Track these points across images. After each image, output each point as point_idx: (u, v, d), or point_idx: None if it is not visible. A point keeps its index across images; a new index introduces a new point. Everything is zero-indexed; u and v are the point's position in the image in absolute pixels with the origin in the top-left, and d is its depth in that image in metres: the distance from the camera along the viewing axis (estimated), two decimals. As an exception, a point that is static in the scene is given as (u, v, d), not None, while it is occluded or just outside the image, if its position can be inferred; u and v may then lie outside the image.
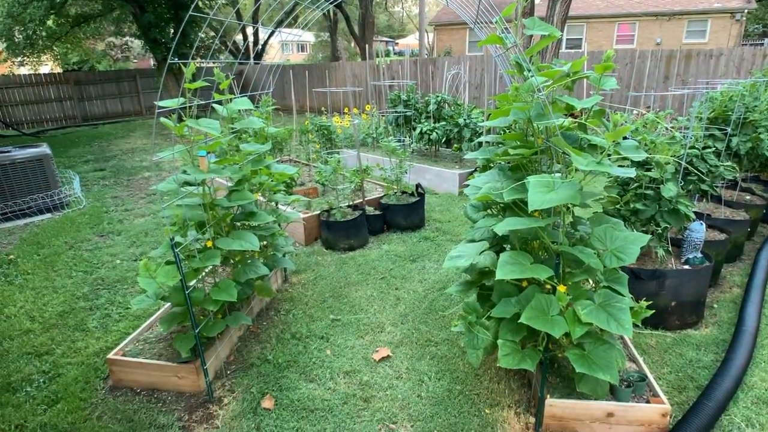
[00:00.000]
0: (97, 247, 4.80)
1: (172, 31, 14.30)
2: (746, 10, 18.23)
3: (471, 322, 2.27)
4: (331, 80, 15.24)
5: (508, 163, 2.42)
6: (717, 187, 3.91)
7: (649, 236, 2.01)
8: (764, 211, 4.72)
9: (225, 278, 2.76)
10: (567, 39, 19.74)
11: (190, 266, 2.53)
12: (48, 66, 22.17)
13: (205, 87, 2.71)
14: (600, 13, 19.60)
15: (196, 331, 2.47)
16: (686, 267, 3.31)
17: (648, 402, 2.35)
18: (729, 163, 3.63)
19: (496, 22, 2.18)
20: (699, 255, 3.38)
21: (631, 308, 2.00)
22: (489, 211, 2.71)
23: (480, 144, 2.93)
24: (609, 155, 1.68)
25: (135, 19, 13.85)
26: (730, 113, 3.95)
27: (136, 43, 21.95)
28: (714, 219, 4.06)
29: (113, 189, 7.16)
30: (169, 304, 3.15)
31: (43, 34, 14.27)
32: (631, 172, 1.89)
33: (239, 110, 2.98)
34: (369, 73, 13.73)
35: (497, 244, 2.52)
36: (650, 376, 2.46)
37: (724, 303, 3.55)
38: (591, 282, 2.36)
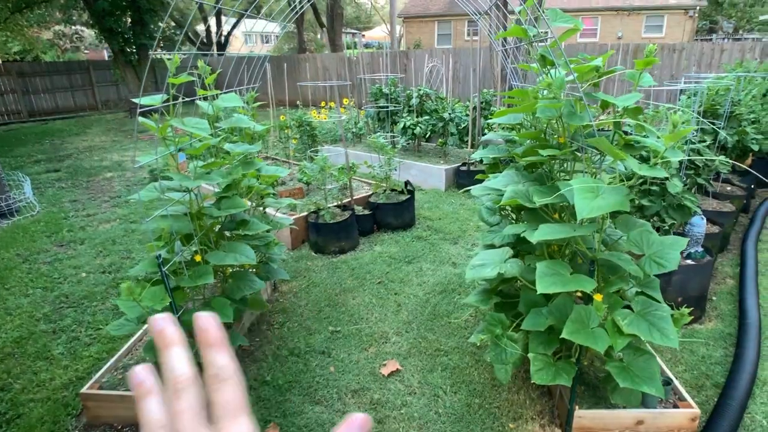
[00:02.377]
0: (57, 259, 4.36)
1: (129, 20, 13.49)
2: (698, 7, 18.90)
3: (498, 336, 2.11)
4: (301, 72, 14.80)
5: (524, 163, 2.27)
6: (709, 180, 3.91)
7: (687, 239, 1.90)
8: (744, 201, 4.80)
9: (217, 296, 2.49)
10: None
11: (178, 285, 2.26)
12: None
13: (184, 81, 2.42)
14: (565, 7, 19.86)
15: (191, 356, 2.21)
16: (689, 261, 3.28)
17: (676, 406, 2.27)
18: (722, 157, 3.61)
19: (519, 12, 2.01)
20: (700, 249, 3.35)
21: (672, 316, 1.89)
22: (503, 212, 2.56)
23: (486, 143, 2.77)
24: (663, 159, 1.54)
25: (87, 6, 12.97)
26: (718, 107, 3.94)
27: (88, 32, 20.73)
28: (705, 212, 4.07)
29: (71, 192, 6.63)
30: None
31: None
32: (662, 173, 1.77)
33: (225, 107, 2.70)
34: (339, 64, 13.39)
35: (515, 247, 2.37)
36: (675, 381, 2.38)
37: (722, 295, 3.55)
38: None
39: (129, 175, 7.55)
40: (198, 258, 2.35)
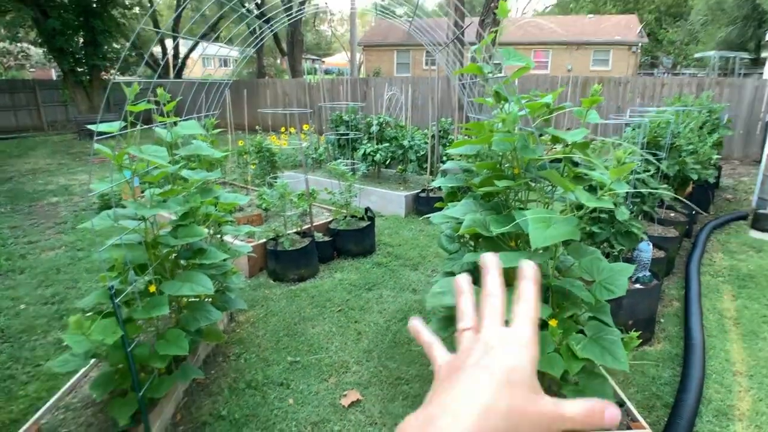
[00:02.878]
0: (-5, 290, 4.09)
1: (81, 40, 13.11)
2: (640, 44, 20.35)
3: (457, 363, 2.13)
4: (261, 97, 14.76)
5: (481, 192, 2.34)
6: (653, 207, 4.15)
7: (634, 265, 2.00)
8: (687, 226, 5.10)
9: (171, 327, 2.40)
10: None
11: (131, 316, 2.17)
12: None
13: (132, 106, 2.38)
14: (518, 40, 20.91)
15: (140, 393, 2.11)
16: (638, 285, 3.44)
17: (629, 428, 2.34)
18: (665, 186, 3.85)
19: (474, 51, 2.11)
20: (647, 273, 3.52)
21: (623, 340, 1.97)
22: (462, 240, 2.62)
23: (445, 172, 2.85)
24: (610, 191, 1.63)
25: (36, 24, 12.54)
26: (660, 139, 4.22)
27: (35, 51, 19.95)
28: (650, 237, 4.30)
29: (11, 218, 6.26)
30: (95, 359, 2.70)
31: None
32: (609, 204, 1.87)
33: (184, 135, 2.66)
34: (300, 90, 13.46)
35: (472, 274, 2.42)
36: (628, 403, 2.46)
37: (669, 317, 3.73)
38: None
39: (77, 199, 7.22)
40: (152, 288, 2.27)
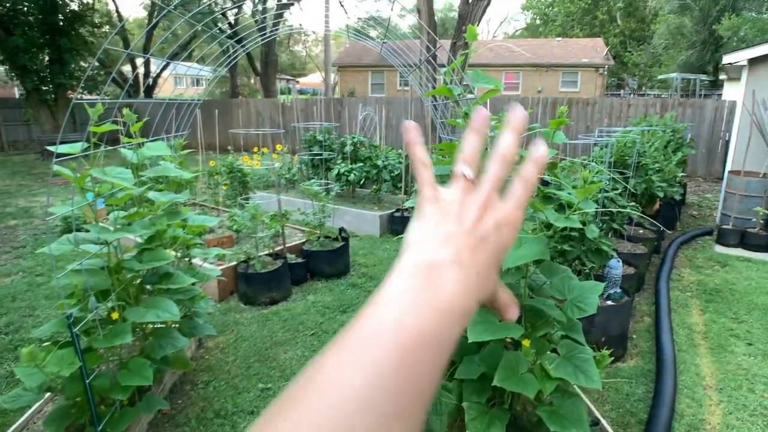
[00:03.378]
0: (-56, 317, 3.86)
1: (46, 58, 12.84)
2: (606, 66, 21.15)
3: (432, 386, 2.09)
4: (234, 117, 14.66)
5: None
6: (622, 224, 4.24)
7: (603, 284, 2.02)
8: (656, 243, 5.23)
9: (135, 356, 2.29)
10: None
11: (91, 345, 2.06)
12: None
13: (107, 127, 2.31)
14: (489, 62, 21.48)
15: (99, 428, 2.00)
16: (609, 302, 3.48)
17: (604, 448, 2.34)
18: (633, 203, 3.95)
19: (445, 73, 2.13)
20: (618, 290, 3.57)
21: (595, 358, 1.97)
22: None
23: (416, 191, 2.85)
24: (579, 210, 1.65)
25: (-2, 41, 12.23)
26: (627, 158, 4.34)
27: (-2, 70, 19.41)
28: (620, 254, 4.38)
29: (-32, 241, 5.98)
30: (50, 393, 2.55)
31: None
32: (576, 223, 1.90)
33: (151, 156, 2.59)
34: (277, 111, 13.43)
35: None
36: (603, 421, 2.46)
37: (641, 332, 3.78)
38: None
39: (38, 222, 6.95)
40: (115, 315, 2.17)
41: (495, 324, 1.83)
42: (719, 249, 5.73)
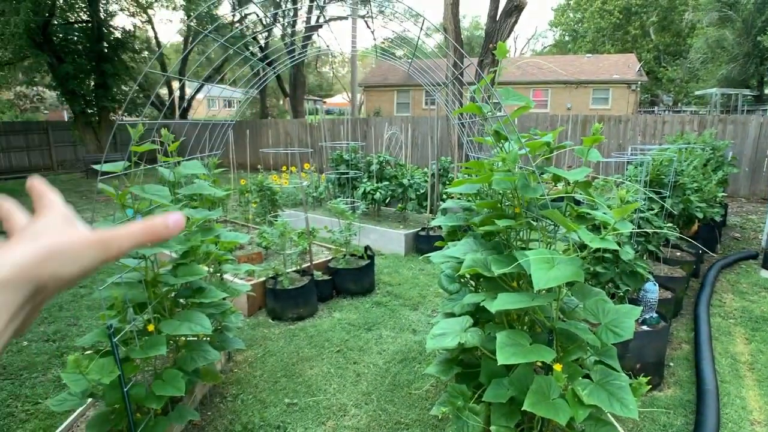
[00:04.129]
0: (-4, 327, 4.05)
1: (92, 83, 13.53)
2: (639, 82, 20.75)
3: (459, 408, 2.06)
4: (263, 137, 15.03)
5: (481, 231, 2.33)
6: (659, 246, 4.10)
7: (641, 307, 1.95)
8: (694, 266, 5.03)
9: (168, 367, 2.35)
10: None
11: (128, 355, 2.12)
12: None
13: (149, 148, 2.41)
14: (517, 80, 21.38)
15: (133, 437, 2.04)
16: (645, 327, 3.35)
17: (640, 481, 2.23)
18: (670, 224, 3.83)
19: (474, 91, 2.14)
20: (655, 315, 3.44)
21: (631, 385, 1.90)
22: (462, 280, 2.58)
23: (445, 210, 2.84)
24: (614, 231, 1.62)
25: (51, 69, 12.98)
26: (663, 177, 4.22)
27: (49, 94, 20.57)
28: (656, 277, 4.23)
29: (17, 255, 6.27)
30: (92, 399, 2.64)
31: (-61, 81, 12.92)
32: (613, 244, 1.85)
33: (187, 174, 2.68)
34: (305, 131, 13.72)
35: (473, 315, 2.37)
36: (639, 452, 2.36)
37: (679, 360, 3.62)
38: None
39: (81, 237, 7.24)
40: (151, 327, 2.24)
41: (525, 347, 1.80)
42: (766, 274, 5.45)
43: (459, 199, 2.88)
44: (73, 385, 2.01)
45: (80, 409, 2.61)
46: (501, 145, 2.14)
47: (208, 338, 2.78)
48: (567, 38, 37.66)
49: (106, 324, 1.94)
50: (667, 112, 24.38)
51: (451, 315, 2.34)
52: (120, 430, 2.24)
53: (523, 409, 1.76)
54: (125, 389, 1.99)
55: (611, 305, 1.97)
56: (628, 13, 30.32)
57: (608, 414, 2.09)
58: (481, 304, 1.97)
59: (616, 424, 2.02)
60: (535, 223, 2.09)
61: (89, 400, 2.60)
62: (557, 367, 1.88)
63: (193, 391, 2.85)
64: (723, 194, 7.23)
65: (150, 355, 2.08)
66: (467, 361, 2.46)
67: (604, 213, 1.65)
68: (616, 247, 1.59)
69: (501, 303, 1.79)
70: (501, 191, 2.27)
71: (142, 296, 2.23)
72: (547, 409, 1.77)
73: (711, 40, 21.75)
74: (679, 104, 28.70)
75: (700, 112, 21.49)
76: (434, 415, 2.81)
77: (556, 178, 1.96)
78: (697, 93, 23.02)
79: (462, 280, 2.59)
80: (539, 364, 2.12)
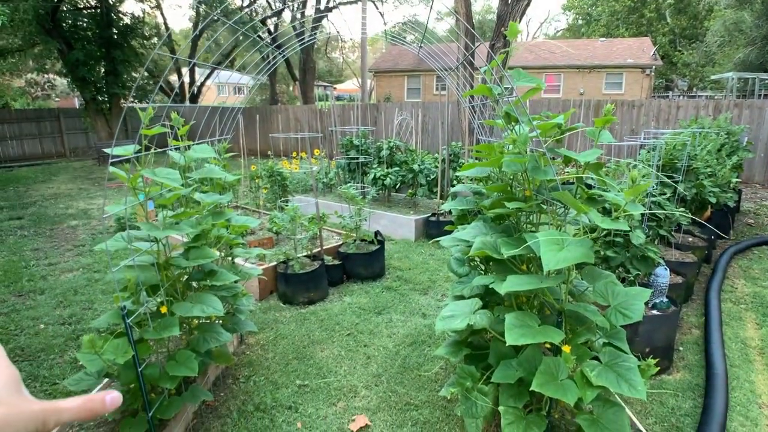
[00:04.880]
0: (15, 310, 4.16)
1: (102, 69, 13.58)
2: (654, 66, 20.35)
3: (468, 389, 2.08)
4: (273, 123, 15.03)
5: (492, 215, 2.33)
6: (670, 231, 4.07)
7: (651, 290, 1.95)
8: (706, 251, 4.98)
9: (181, 348, 2.39)
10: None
11: (142, 336, 2.17)
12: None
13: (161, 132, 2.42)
14: (529, 64, 21.10)
15: (150, 414, 2.09)
16: (655, 312, 3.35)
17: (648, 462, 2.25)
18: (682, 209, 3.79)
19: (484, 72, 2.13)
20: (665, 299, 3.43)
21: (639, 367, 1.91)
22: (472, 263, 2.59)
23: (455, 195, 2.84)
24: (625, 212, 1.61)
25: (61, 56, 13.04)
26: (676, 161, 4.17)
27: (60, 81, 20.70)
28: (668, 262, 4.20)
29: (33, 240, 6.40)
30: (108, 380, 2.71)
31: (-51, 67, 13.04)
32: (624, 226, 1.84)
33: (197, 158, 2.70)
34: (315, 117, 13.69)
35: (482, 298, 2.38)
36: (647, 434, 2.37)
37: (688, 345, 3.61)
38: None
39: (95, 223, 7.35)
40: (164, 309, 2.28)
41: (533, 328, 1.81)
42: (779, 259, 5.39)
43: (470, 182, 2.87)
44: (89, 364, 2.06)
45: (96, 389, 2.68)
46: (512, 127, 2.13)
47: (221, 320, 2.83)
48: (580, 22, 36.94)
49: (120, 305, 1.98)
50: (681, 96, 23.93)
51: (461, 298, 2.35)
52: (135, 409, 2.30)
53: (531, 389, 1.78)
54: (140, 369, 2.04)
55: (621, 288, 1.97)
56: (643, -5, 29.65)
57: (616, 396, 2.10)
58: (491, 287, 1.97)
59: (624, 406, 2.03)
60: (545, 207, 2.08)
61: (105, 380, 2.67)
62: (566, 348, 1.89)
63: (206, 373, 2.91)
64: (737, 180, 7.13)
65: (163, 336, 2.12)
66: (476, 343, 2.48)
67: (616, 194, 1.64)
68: (627, 229, 1.58)
69: (510, 285, 1.80)
70: (511, 174, 2.26)
71: (154, 279, 2.26)
72: (555, 390, 1.78)
73: (729, 22, 21.17)
74: (695, 89, 28.13)
75: (716, 97, 21.03)
76: (443, 397, 2.84)
77: (567, 160, 1.94)
78: (713, 77, 22.51)
79: (472, 264, 2.60)
80: (548, 346, 2.13)
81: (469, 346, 2.43)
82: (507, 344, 1.72)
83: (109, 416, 2.22)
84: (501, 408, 1.98)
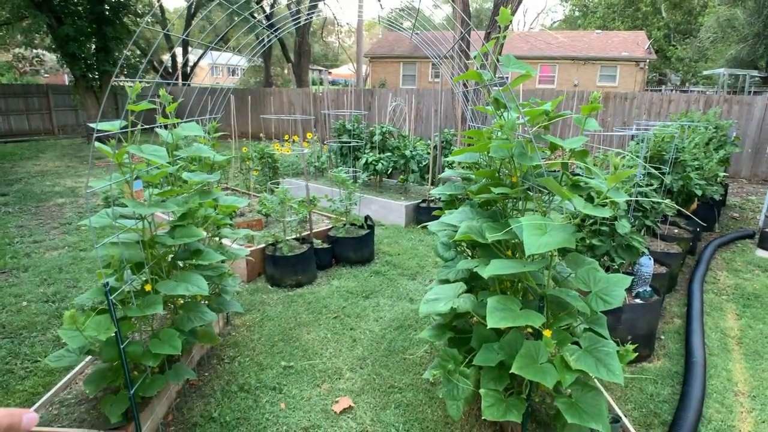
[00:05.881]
0: (-2, 287, 4.13)
1: (93, 46, 13.31)
2: (648, 60, 20.38)
3: (450, 371, 2.11)
4: (266, 106, 14.88)
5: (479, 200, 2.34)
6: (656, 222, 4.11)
7: (630, 277, 1.98)
8: (691, 243, 5.05)
9: (165, 327, 2.39)
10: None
11: (125, 314, 2.16)
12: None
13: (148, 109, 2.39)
14: (524, 54, 21.02)
15: (132, 391, 2.10)
16: (638, 301, 3.40)
17: (624, 445, 2.30)
18: (668, 200, 3.83)
19: (474, 57, 2.12)
20: (648, 288, 3.48)
21: (618, 352, 1.94)
22: (458, 248, 2.60)
23: (444, 180, 2.84)
24: (607, 198, 1.62)
25: (50, 30, 12.75)
26: (664, 153, 4.20)
27: (49, 57, 20.28)
28: (653, 253, 4.25)
29: (18, 217, 6.32)
30: (90, 356, 2.71)
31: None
32: (607, 213, 1.86)
33: (185, 136, 2.68)
34: (309, 100, 13.56)
35: (468, 283, 2.40)
36: (624, 419, 2.42)
37: (670, 334, 3.68)
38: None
39: (82, 201, 7.28)
40: (148, 287, 2.27)
41: (515, 312, 1.83)
42: (761, 253, 5.48)
43: (462, 168, 2.86)
44: (71, 341, 2.05)
45: (78, 366, 2.67)
46: (500, 113, 2.13)
47: (206, 300, 2.83)
48: (577, 13, 36.78)
49: (103, 282, 1.97)
50: (674, 91, 24.03)
51: (446, 281, 2.37)
52: (117, 386, 2.31)
53: (511, 372, 1.81)
54: (122, 346, 2.04)
55: (602, 274, 2.00)
56: (639, -11, 29.54)
57: (596, 381, 2.14)
58: (474, 270, 1.99)
59: (603, 390, 2.07)
60: (531, 194, 2.09)
61: (88, 358, 2.67)
62: (547, 333, 1.92)
63: (191, 352, 2.91)
64: (724, 174, 7.20)
65: (147, 314, 2.12)
66: (461, 327, 2.51)
67: (599, 181, 1.65)
68: (608, 215, 1.60)
69: (494, 268, 1.81)
70: (499, 160, 2.27)
71: (139, 256, 2.25)
72: (535, 373, 1.81)
73: (722, 19, 21.23)
74: (687, 84, 28.23)
75: (708, 92, 21.15)
76: (427, 380, 2.89)
77: (554, 147, 1.95)
78: (705, 73, 22.61)
79: (458, 249, 2.62)
80: (530, 330, 2.16)
81: (454, 330, 2.45)
82: (488, 327, 1.74)
83: (90, 392, 2.21)
84: (482, 390, 2.01)
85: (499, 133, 2.13)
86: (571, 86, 20.62)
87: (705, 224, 5.95)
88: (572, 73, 20.99)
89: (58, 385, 2.53)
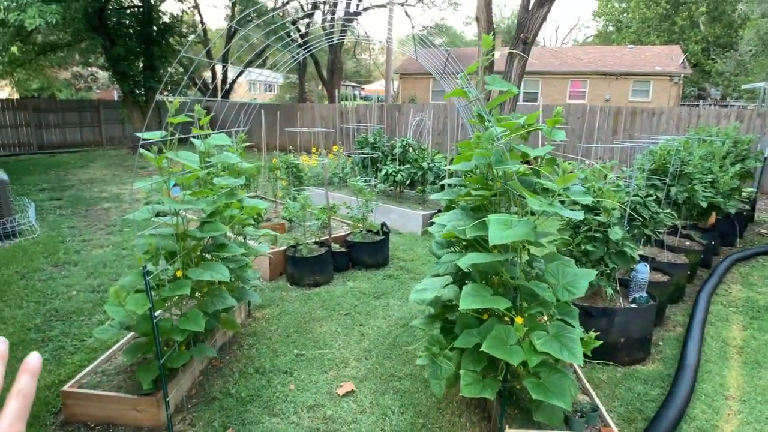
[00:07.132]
0: (52, 278, 4.65)
1: (141, 64, 14.31)
2: (683, 75, 20.04)
3: (435, 354, 2.37)
4: (299, 121, 15.53)
5: (470, 203, 2.61)
6: (659, 232, 4.24)
7: (595, 271, 2.21)
8: (702, 255, 5.11)
9: (193, 309, 2.76)
10: (524, 92, 20.97)
11: (159, 295, 2.54)
12: (4, 92, 21.60)
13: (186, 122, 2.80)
14: (554, 70, 21.05)
15: (161, 361, 2.45)
16: (633, 306, 3.55)
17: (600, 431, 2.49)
18: (668, 210, 3.97)
19: (460, 77, 2.41)
20: (644, 294, 3.63)
21: (582, 339, 2.17)
22: (452, 248, 2.87)
23: (443, 186, 3.13)
24: (560, 198, 1.88)
25: (104, 51, 13.80)
26: (668, 165, 4.35)
27: (102, 74, 21.73)
28: (658, 262, 4.37)
29: (70, 219, 6.97)
30: (129, 335, 3.11)
31: (5, 60, 13.93)
32: (579, 215, 2.10)
33: (215, 145, 3.08)
34: (336, 115, 14.11)
35: (461, 279, 2.67)
36: (602, 408, 2.61)
37: (669, 341, 3.79)
38: (546, 316, 2.52)
39: (126, 206, 7.90)
40: (179, 273, 2.65)
41: (486, 297, 2.09)
42: (780, 269, 5.45)
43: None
44: (114, 314, 2.44)
45: (119, 343, 3.09)
46: (486, 126, 2.41)
47: (229, 289, 3.20)
48: (611, 28, 36.41)
49: (143, 265, 2.34)
50: (713, 106, 23.43)
51: (437, 275, 2.64)
52: (150, 358, 2.69)
53: (480, 350, 2.06)
54: (155, 321, 2.41)
55: (572, 269, 2.24)
56: (675, 3, 29.04)
57: (567, 367, 2.35)
58: (456, 263, 2.26)
59: (569, 373, 2.28)
60: (510, 195, 2.35)
61: (126, 336, 3.08)
62: (518, 319, 2.17)
63: (214, 336, 3.28)
64: (751, 189, 7.14)
65: (177, 294, 2.48)
66: (452, 318, 2.77)
67: (552, 183, 1.91)
68: (559, 211, 1.85)
69: (468, 259, 2.09)
70: (485, 168, 2.54)
71: (172, 246, 2.63)
72: (503, 353, 2.06)
73: (763, 31, 20.69)
74: (728, 98, 27.43)
75: (749, 107, 20.54)
76: (422, 366, 3.14)
77: (525, 155, 2.22)
78: (744, 87, 22.00)
79: (451, 248, 2.88)
80: (507, 320, 2.40)
81: (444, 321, 2.71)
82: (460, 308, 2.01)
83: (127, 360, 2.60)
84: (462, 371, 2.27)
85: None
86: (602, 101, 20.48)
87: (722, 242, 5.96)
88: (604, 88, 20.85)
89: (101, 358, 2.94)
